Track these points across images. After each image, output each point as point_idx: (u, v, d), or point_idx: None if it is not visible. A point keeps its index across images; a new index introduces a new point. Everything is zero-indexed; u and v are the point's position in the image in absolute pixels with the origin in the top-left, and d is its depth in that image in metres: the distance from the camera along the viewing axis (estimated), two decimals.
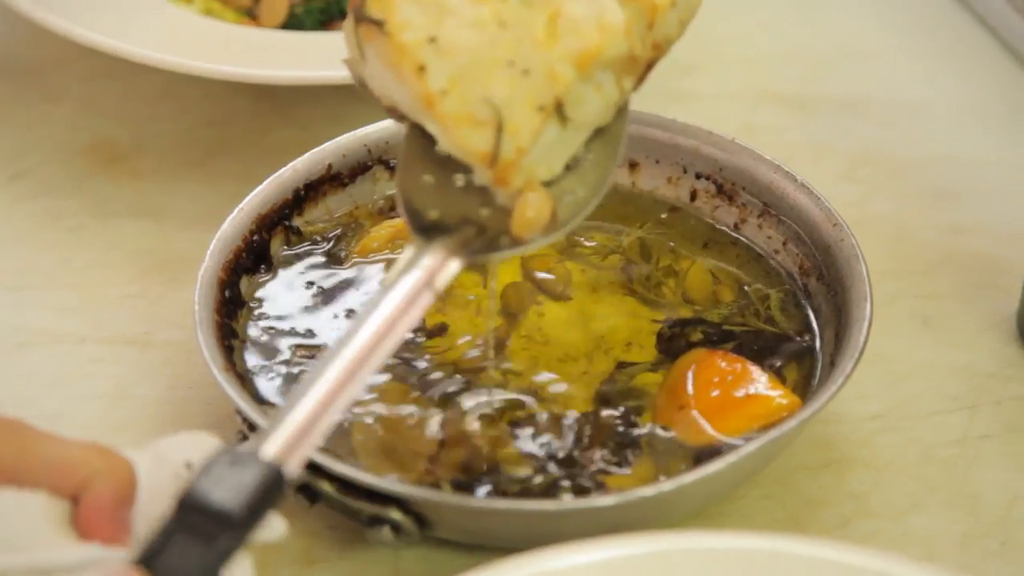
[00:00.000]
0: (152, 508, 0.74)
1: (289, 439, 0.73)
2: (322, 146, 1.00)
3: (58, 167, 1.12)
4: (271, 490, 0.71)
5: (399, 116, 0.83)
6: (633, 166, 1.02)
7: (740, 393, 0.88)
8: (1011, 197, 1.11)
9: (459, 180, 0.82)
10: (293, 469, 0.72)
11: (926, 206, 1.11)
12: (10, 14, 1.19)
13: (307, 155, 1.00)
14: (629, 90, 0.83)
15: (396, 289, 0.78)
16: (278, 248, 0.98)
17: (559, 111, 0.80)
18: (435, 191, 0.82)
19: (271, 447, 0.72)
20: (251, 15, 1.22)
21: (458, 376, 0.91)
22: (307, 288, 0.96)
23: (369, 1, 0.81)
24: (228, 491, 0.69)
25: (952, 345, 1.00)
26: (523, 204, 0.80)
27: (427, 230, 0.81)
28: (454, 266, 0.80)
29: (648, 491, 0.81)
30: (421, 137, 0.82)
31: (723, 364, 0.90)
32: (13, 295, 1.03)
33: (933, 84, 1.23)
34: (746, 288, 0.96)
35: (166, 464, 0.75)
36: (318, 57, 1.14)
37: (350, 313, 0.94)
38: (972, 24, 1.28)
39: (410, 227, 0.81)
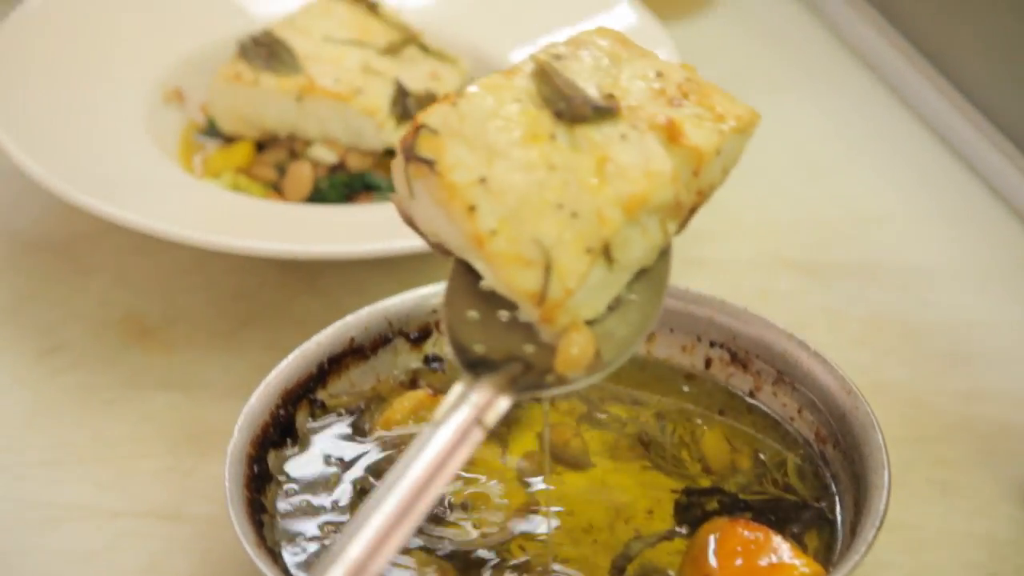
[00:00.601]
0: None
1: None
2: (344, 319, 1.01)
3: (91, 341, 1.15)
4: None
5: (444, 252, 0.85)
6: (648, 335, 1.03)
7: (764, 562, 0.89)
8: (1022, 361, 1.13)
9: (503, 316, 0.83)
10: None
11: (939, 371, 1.13)
12: (43, 193, 1.22)
13: (330, 329, 1.01)
14: (673, 233, 0.85)
15: (446, 426, 0.79)
16: (303, 422, 0.99)
17: (606, 253, 0.81)
18: (480, 326, 0.83)
19: None
20: (277, 189, 1.25)
21: (482, 550, 0.92)
22: (333, 462, 0.97)
23: (420, 140, 0.82)
24: None
25: (970, 512, 1.01)
26: (567, 343, 0.81)
27: (474, 365, 0.82)
28: (503, 403, 0.81)
29: None
30: (466, 273, 0.84)
31: (746, 533, 0.91)
32: (47, 470, 1.05)
33: (944, 248, 1.25)
34: (762, 456, 0.97)
35: None
36: (342, 230, 1.17)
37: (375, 484, 0.94)
38: (980, 188, 1.31)
39: (457, 362, 0.83)
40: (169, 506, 1.02)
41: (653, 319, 0.84)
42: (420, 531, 0.92)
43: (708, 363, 1.02)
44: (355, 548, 0.74)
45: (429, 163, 0.81)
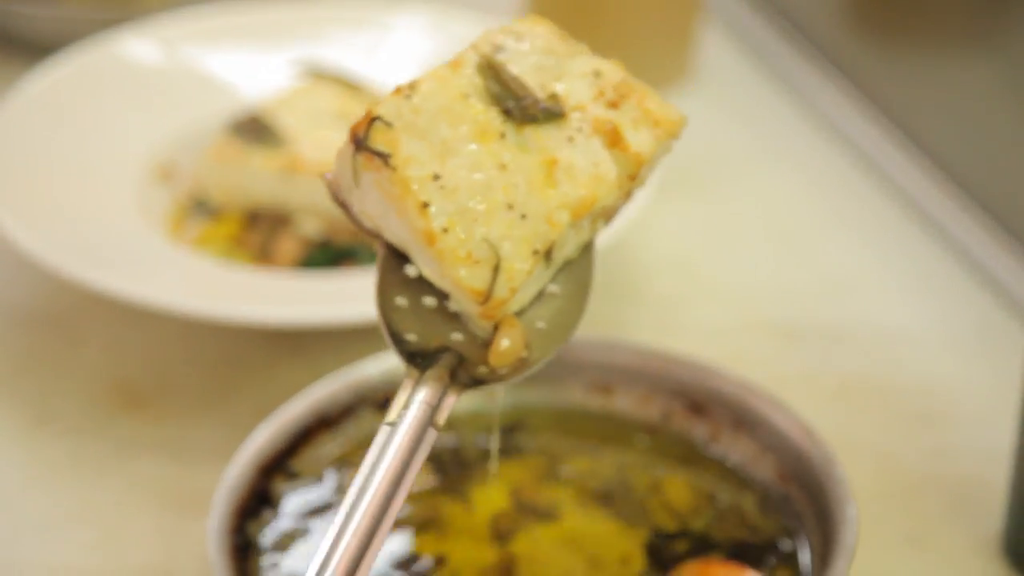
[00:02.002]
0: None
1: None
2: (311, 390, 1.02)
3: (81, 410, 1.17)
4: None
5: (374, 236, 0.86)
6: (606, 390, 1.05)
7: None
8: (990, 419, 1.15)
9: (428, 303, 0.85)
10: None
11: (910, 429, 1.15)
12: (37, 268, 1.25)
13: (297, 400, 1.01)
14: (599, 230, 0.87)
15: (401, 430, 0.81)
16: (278, 491, 0.99)
17: (548, 254, 0.83)
18: (409, 314, 0.85)
19: None
20: (265, 261, 1.28)
21: None
22: (312, 532, 0.97)
23: (374, 132, 0.82)
24: None
25: (940, 566, 1.03)
26: (500, 337, 0.84)
27: (412, 356, 0.84)
28: (451, 401, 0.83)
29: None
30: (392, 259, 0.85)
31: (722, 573, 0.93)
32: (41, 532, 1.07)
33: (914, 312, 1.28)
34: (725, 498, 0.99)
35: None
36: (330, 297, 1.19)
37: None
38: (949, 255, 1.34)
39: (395, 352, 0.85)
40: (158, 566, 1.04)
41: (581, 313, 0.86)
42: None
43: (666, 414, 1.04)
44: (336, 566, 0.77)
45: (383, 156, 0.82)
